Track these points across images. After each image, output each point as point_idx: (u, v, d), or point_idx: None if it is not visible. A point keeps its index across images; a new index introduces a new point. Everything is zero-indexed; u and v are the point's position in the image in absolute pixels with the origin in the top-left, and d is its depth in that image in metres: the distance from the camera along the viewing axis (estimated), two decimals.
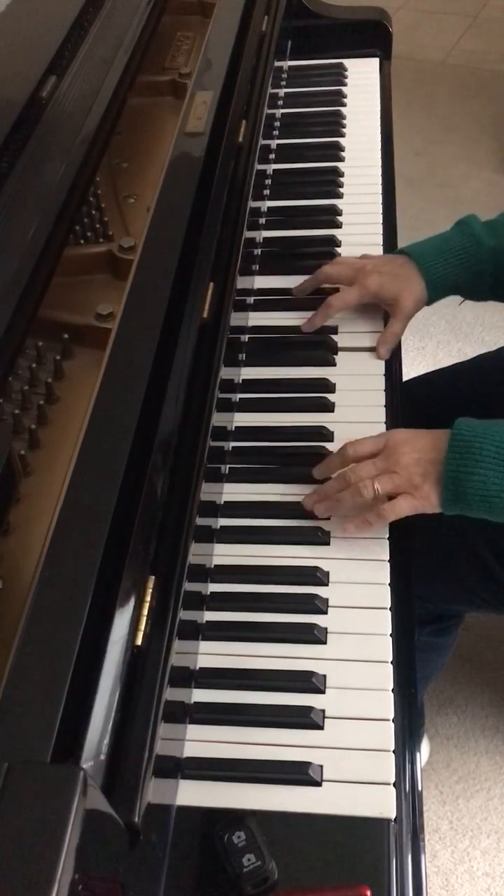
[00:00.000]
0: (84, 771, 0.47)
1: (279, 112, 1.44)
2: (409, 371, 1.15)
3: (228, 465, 0.95)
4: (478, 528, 1.00)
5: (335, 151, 1.36)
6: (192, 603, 0.77)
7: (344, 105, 1.46)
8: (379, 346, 1.06)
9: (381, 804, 0.70)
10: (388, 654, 0.79)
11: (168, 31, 1.30)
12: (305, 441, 0.97)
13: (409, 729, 0.75)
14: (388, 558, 0.86)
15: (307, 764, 0.72)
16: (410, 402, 1.07)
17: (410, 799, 0.71)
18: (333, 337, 1.08)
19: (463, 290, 1.11)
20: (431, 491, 0.84)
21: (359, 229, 1.24)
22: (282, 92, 1.47)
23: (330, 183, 1.31)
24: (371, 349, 1.07)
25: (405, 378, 1.11)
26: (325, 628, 0.81)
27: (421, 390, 1.21)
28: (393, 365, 1.07)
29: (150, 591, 0.64)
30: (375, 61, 1.56)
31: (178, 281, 0.83)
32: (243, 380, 1.03)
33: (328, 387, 1.02)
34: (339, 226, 1.24)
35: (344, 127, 1.42)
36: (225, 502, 0.91)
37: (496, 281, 1.08)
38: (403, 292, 1.06)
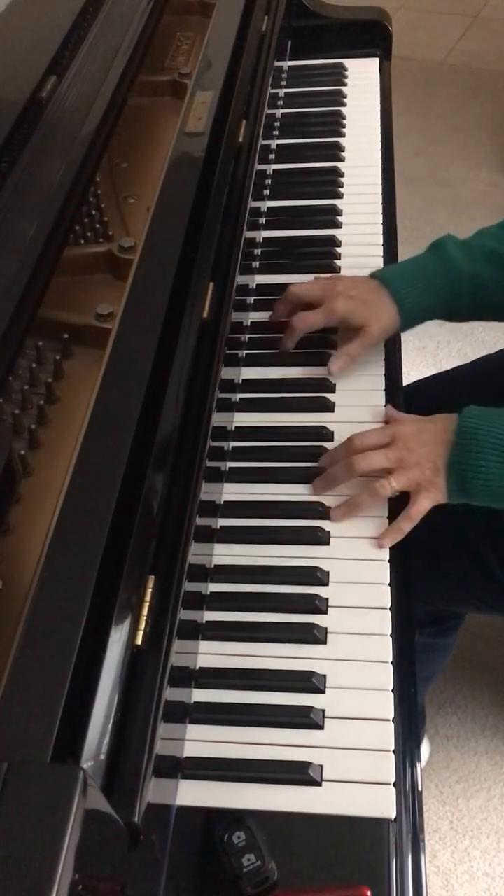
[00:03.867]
0: (84, 771, 0.47)
1: (279, 112, 1.44)
2: (410, 371, 1.15)
3: (228, 465, 0.95)
4: (479, 528, 1.00)
5: (335, 151, 1.36)
6: (192, 603, 0.77)
7: (344, 105, 1.46)
8: (331, 363, 1.02)
9: (381, 804, 0.70)
10: (388, 654, 0.79)
11: (168, 31, 1.30)
12: (305, 441, 0.97)
13: (409, 729, 0.75)
14: (388, 558, 0.86)
15: (307, 764, 0.72)
16: (412, 409, 1.04)
17: (410, 799, 0.71)
18: (333, 337, 1.08)
19: (440, 315, 1.07)
20: (443, 484, 0.87)
21: (359, 229, 1.24)
22: (282, 92, 1.47)
23: (330, 183, 1.31)
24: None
25: (405, 379, 1.11)
26: (325, 628, 0.81)
27: (421, 396, 1.19)
28: (393, 365, 1.06)
29: (150, 591, 0.64)
30: (375, 61, 1.56)
31: (178, 281, 0.83)
32: (243, 380, 1.03)
33: (328, 387, 1.02)
34: (339, 226, 1.24)
35: (344, 127, 1.42)
36: (225, 502, 0.91)
37: (475, 305, 1.05)
38: (372, 319, 1.02)
